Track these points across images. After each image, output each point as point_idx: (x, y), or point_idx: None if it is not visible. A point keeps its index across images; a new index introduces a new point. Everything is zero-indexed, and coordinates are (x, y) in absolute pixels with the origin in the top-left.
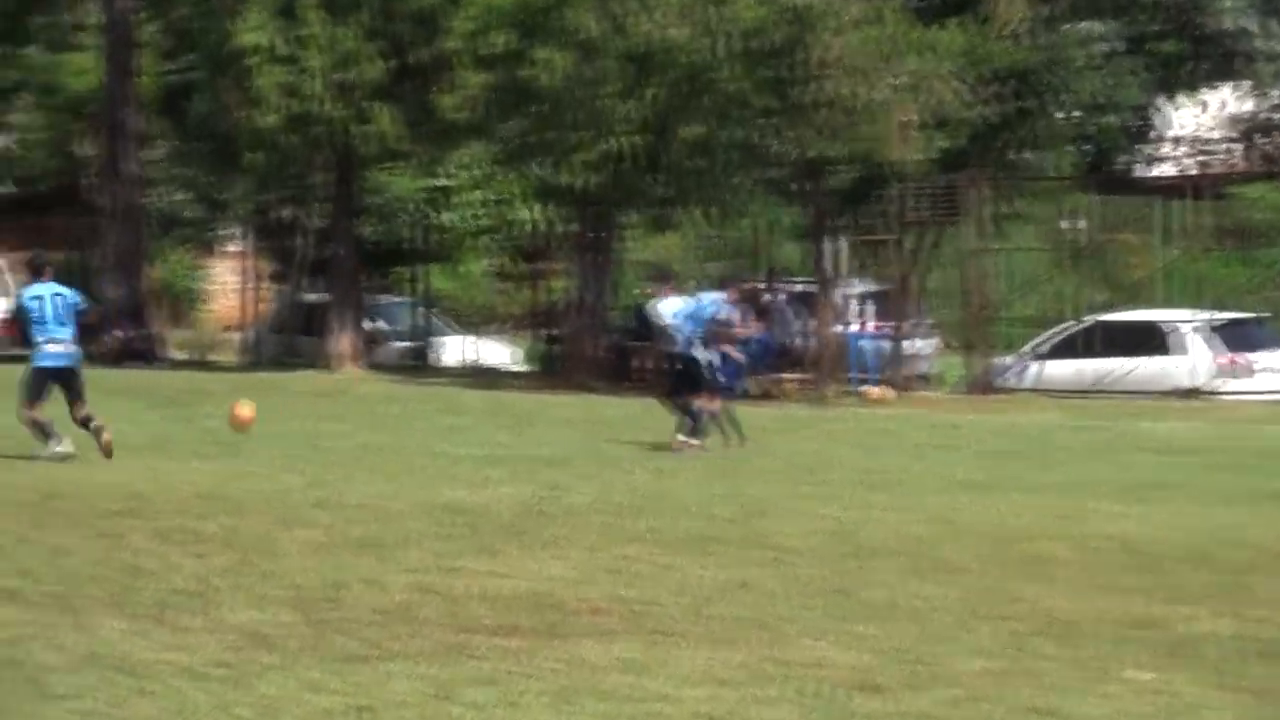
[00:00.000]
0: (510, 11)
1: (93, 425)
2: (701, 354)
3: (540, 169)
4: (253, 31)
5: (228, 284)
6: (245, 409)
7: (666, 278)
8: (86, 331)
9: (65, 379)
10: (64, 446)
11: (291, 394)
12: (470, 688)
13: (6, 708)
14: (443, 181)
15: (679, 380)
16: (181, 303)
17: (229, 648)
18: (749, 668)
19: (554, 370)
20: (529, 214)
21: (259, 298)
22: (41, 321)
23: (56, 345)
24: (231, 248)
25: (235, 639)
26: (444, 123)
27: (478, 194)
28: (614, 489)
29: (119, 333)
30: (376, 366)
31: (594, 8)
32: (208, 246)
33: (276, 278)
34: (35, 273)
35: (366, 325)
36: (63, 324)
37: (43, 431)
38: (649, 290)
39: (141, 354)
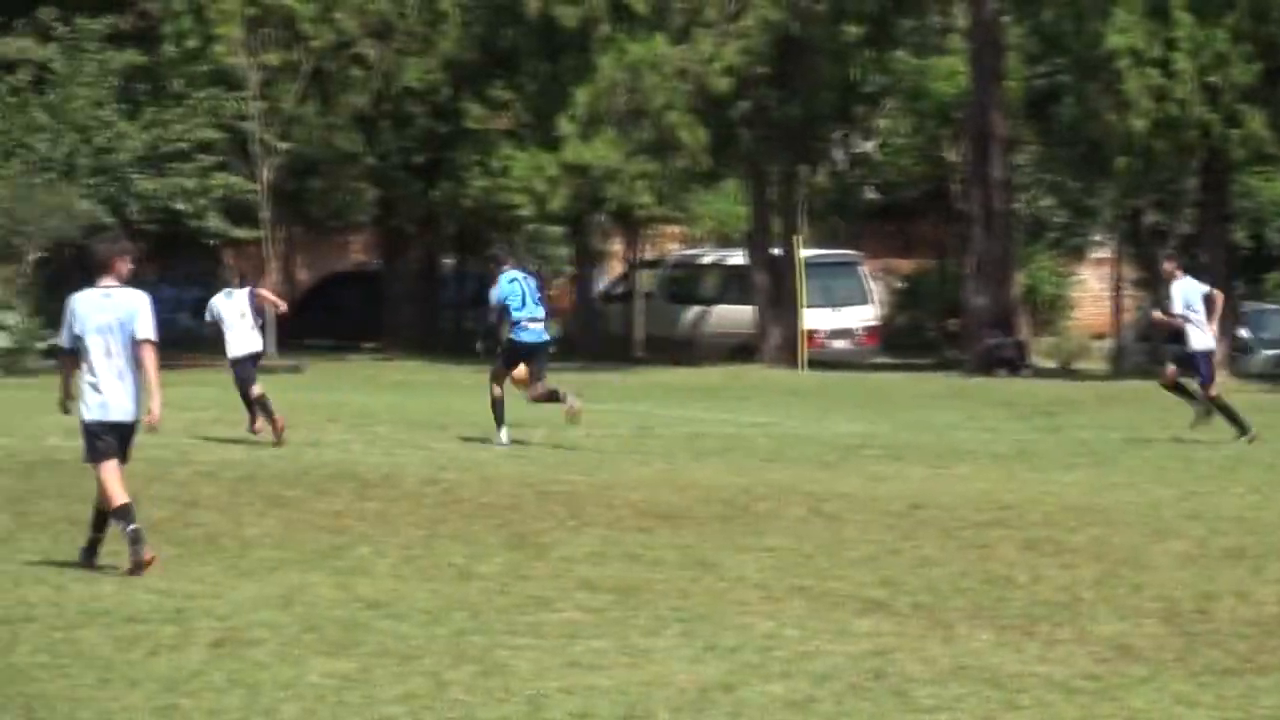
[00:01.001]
0: None
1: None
2: None
3: None
4: (1121, 34)
5: (1095, 291)
6: None
7: None
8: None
9: (537, 354)
10: (505, 439)
11: (1152, 404)
12: None
13: (873, 717)
14: None
15: None
16: (1048, 310)
17: (1097, 660)
18: None
19: None
20: None
21: (1126, 306)
22: (520, 304)
23: (535, 323)
24: (1099, 254)
25: (1103, 651)
26: None
27: None
28: None
29: (987, 340)
30: (1244, 375)
31: None
32: (1075, 253)
33: (1143, 285)
34: (498, 262)
35: (1238, 333)
36: (537, 304)
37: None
38: None
39: (1009, 362)
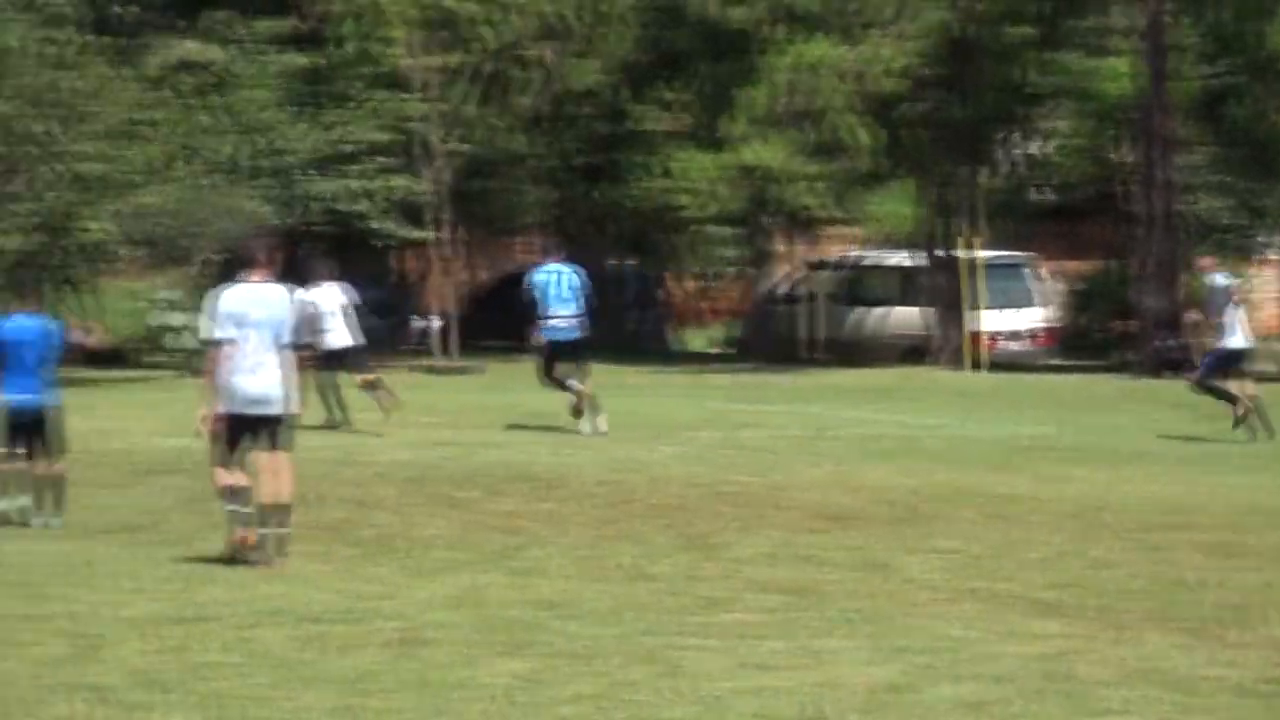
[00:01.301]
0: None
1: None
2: None
3: None
4: None
5: (1268, 292)
6: None
7: None
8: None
9: (570, 352)
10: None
11: None
12: None
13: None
14: None
15: None
16: None
17: (1277, 664)
18: None
19: None
20: None
21: None
22: (545, 299)
23: (560, 320)
24: (1271, 255)
25: None
26: None
27: None
28: None
29: (1156, 342)
30: None
31: None
32: (1247, 254)
33: None
34: (546, 253)
35: None
36: (565, 301)
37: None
38: None
39: (1178, 364)
